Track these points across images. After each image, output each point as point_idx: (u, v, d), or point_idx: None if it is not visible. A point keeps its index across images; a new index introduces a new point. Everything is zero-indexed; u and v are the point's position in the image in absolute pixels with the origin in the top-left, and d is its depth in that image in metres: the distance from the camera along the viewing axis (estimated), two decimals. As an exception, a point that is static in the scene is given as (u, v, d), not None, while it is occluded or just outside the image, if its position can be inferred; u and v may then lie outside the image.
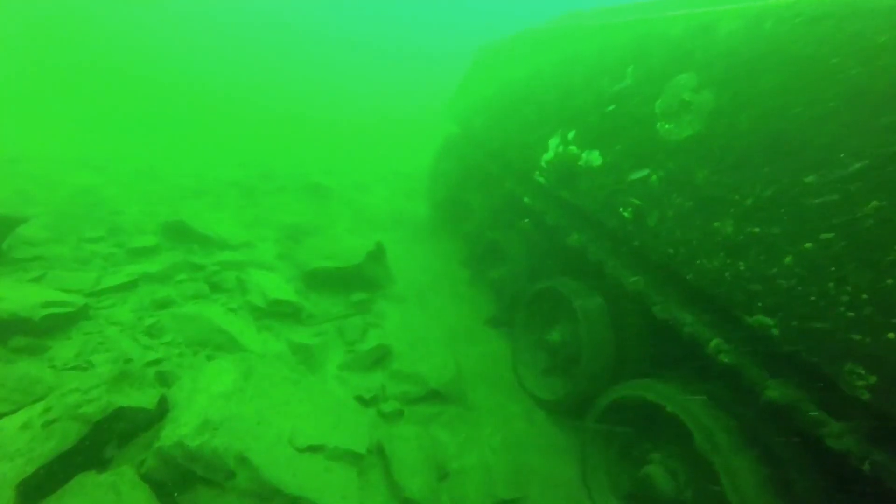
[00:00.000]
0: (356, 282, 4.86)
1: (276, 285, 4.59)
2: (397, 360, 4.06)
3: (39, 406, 2.63)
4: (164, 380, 3.31)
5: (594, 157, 3.31)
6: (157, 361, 3.48)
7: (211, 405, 2.90)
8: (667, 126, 2.59)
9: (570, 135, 3.63)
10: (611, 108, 3.20)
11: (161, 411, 2.91)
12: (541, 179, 3.95)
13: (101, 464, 2.59)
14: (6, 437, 2.46)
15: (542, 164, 3.95)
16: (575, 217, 3.55)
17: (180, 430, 2.62)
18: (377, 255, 4.94)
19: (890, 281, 1.50)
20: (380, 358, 4.04)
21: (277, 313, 4.32)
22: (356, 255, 4.93)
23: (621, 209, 2.93)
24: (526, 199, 4.20)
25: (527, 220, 4.53)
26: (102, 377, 2.80)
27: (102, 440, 2.57)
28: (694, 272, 2.34)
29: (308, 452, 2.85)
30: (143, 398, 2.78)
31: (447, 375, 3.92)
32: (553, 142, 3.84)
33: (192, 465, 2.53)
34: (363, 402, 3.56)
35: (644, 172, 2.73)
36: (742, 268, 2.03)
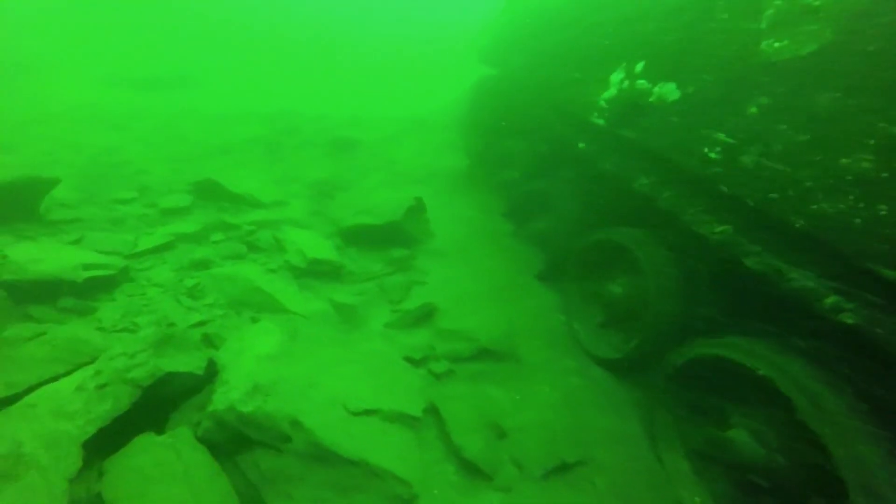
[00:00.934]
0: (395, 238, 4.65)
1: (315, 243, 4.42)
2: (443, 317, 3.89)
3: (91, 369, 2.57)
4: (210, 342, 3.23)
5: (669, 91, 2.90)
6: (201, 323, 3.39)
7: (260, 368, 2.79)
8: (776, 44, 2.16)
9: (639, 67, 3.19)
10: (694, 28, 2.74)
11: (210, 374, 2.84)
12: (599, 121, 3.55)
13: (158, 424, 2.54)
14: (64, 397, 2.42)
15: (601, 103, 3.54)
16: (642, 160, 3.18)
17: (231, 394, 2.53)
18: (416, 209, 4.69)
19: None
20: (425, 316, 3.87)
21: (317, 272, 4.18)
22: (393, 210, 4.69)
23: (705, 149, 2.55)
24: (581, 145, 3.81)
25: (578, 167, 4.16)
26: (147, 341, 2.71)
27: (156, 402, 2.51)
28: (807, 218, 2.01)
29: (363, 415, 2.74)
30: (190, 362, 2.69)
31: (497, 331, 3.74)
32: (616, 77, 3.40)
33: (247, 429, 2.45)
34: (412, 362, 3.43)
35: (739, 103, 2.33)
36: (883, 212, 1.70)
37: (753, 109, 2.25)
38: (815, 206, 1.96)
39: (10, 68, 8.99)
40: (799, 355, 2.24)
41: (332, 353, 3.27)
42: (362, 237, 4.68)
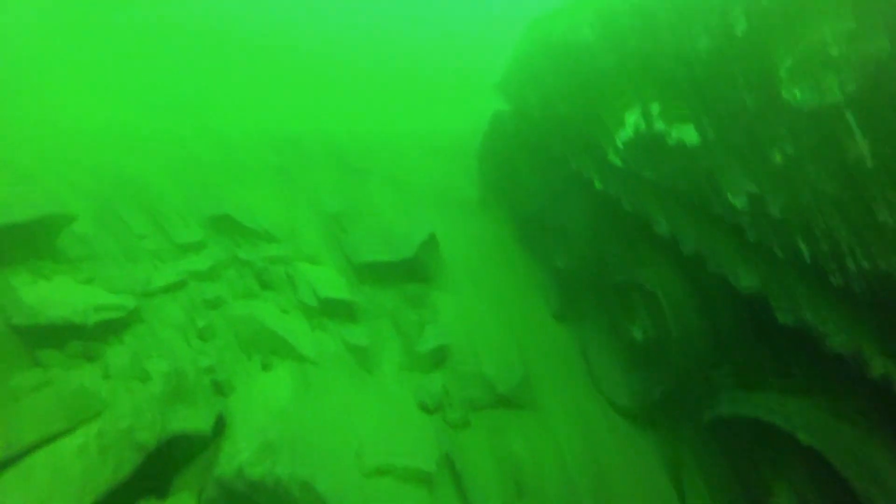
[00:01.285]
0: (409, 273, 4.59)
1: (327, 281, 4.38)
2: (458, 359, 3.78)
3: (95, 427, 2.50)
4: (219, 389, 3.15)
5: (688, 134, 2.82)
6: (211, 369, 3.31)
7: (271, 423, 2.70)
8: (798, 94, 2.09)
9: (654, 108, 3.13)
10: (709, 71, 2.68)
11: (218, 428, 2.75)
12: (616, 161, 3.48)
13: (159, 489, 2.44)
14: (65, 460, 2.34)
15: (618, 143, 3.48)
16: (664, 201, 3.09)
17: (240, 454, 2.43)
18: (429, 245, 4.65)
19: None
20: (440, 359, 3.77)
21: (330, 312, 4.12)
22: (407, 243, 4.65)
23: (730, 195, 2.46)
24: (598, 185, 3.74)
25: (596, 205, 4.08)
26: (154, 394, 2.64)
27: (159, 467, 2.42)
28: (843, 275, 1.88)
29: (376, 476, 2.61)
30: (198, 418, 2.61)
31: (514, 377, 3.61)
32: (631, 117, 3.35)
33: (255, 495, 2.33)
34: (427, 410, 3.31)
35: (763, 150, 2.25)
36: (932, 275, 1.57)
37: (779, 158, 2.16)
38: (849, 263, 1.84)
39: (27, 88, 9.17)
40: (844, 417, 2.08)
41: (345, 402, 3.17)
42: (376, 273, 4.62)
